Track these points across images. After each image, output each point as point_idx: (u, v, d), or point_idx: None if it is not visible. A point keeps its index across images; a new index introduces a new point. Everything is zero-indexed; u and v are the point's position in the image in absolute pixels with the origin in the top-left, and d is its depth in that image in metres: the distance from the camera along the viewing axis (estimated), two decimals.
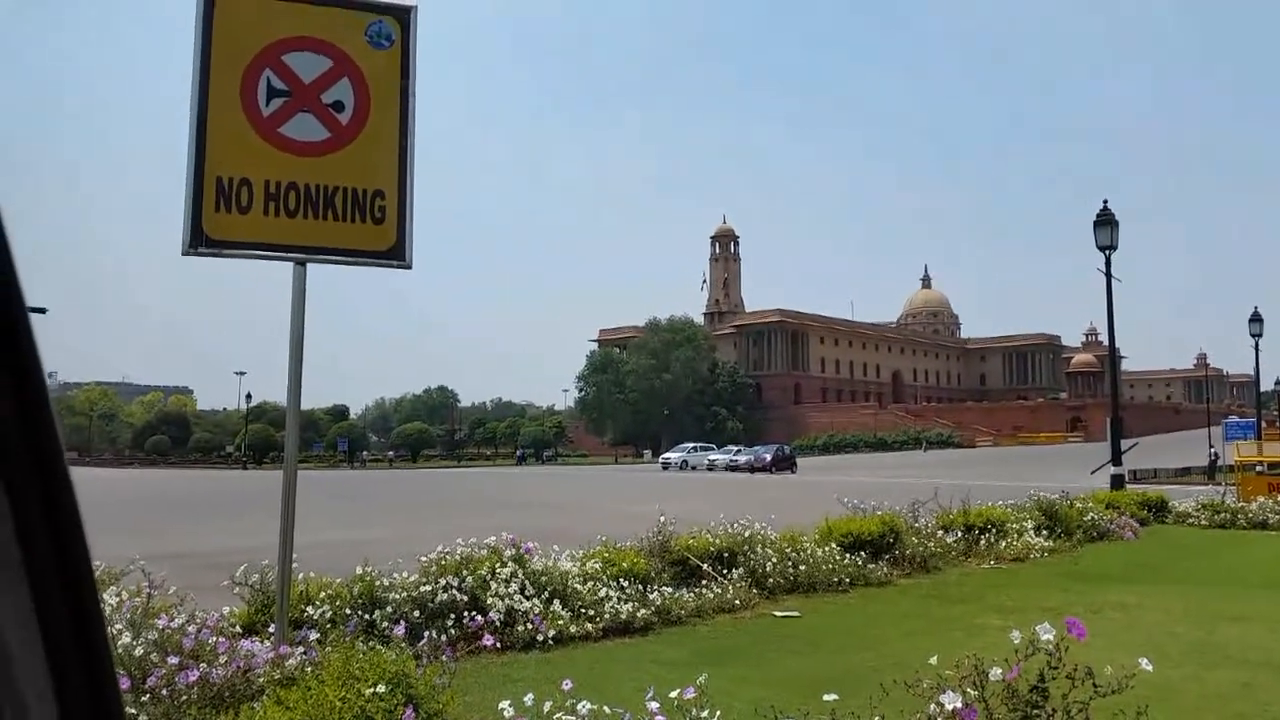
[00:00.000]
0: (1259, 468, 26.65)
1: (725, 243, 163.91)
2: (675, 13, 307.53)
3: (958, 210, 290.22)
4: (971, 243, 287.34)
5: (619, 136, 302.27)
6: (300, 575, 6.88)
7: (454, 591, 7.17)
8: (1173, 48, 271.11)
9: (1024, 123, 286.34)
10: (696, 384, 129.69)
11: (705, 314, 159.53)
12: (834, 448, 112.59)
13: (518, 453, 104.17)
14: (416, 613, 6.93)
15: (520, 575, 7.52)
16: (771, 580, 9.34)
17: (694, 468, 62.56)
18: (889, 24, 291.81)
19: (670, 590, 8.40)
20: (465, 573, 7.38)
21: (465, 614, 6.98)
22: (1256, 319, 44.42)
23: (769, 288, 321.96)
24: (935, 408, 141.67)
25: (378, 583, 7.22)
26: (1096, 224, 21.88)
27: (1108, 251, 21.79)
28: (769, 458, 59.90)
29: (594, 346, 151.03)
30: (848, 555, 10.24)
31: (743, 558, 9.58)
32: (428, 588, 7.19)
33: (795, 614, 8.48)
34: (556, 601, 7.41)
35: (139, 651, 5.07)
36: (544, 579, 7.65)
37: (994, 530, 12.76)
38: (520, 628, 7.02)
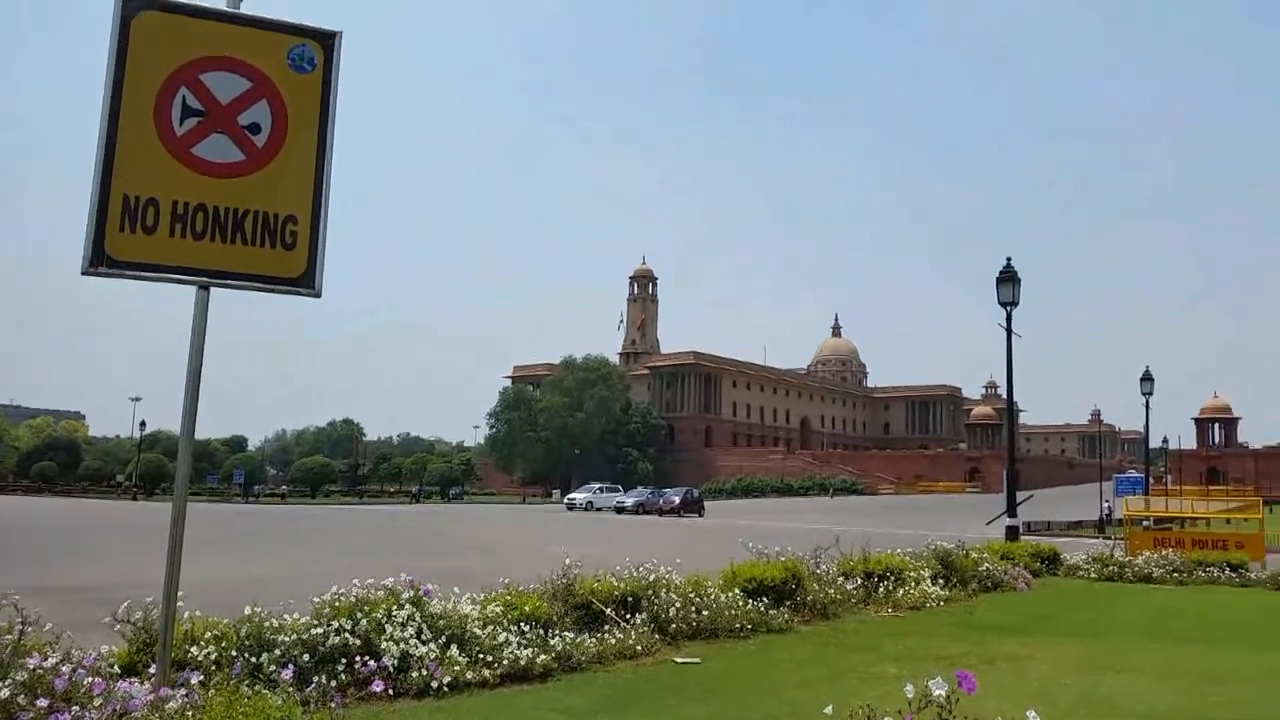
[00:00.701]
0: (1145, 523, 27.79)
1: (644, 284, 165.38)
2: (601, 53, 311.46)
3: (867, 260, 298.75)
4: (881, 293, 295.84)
5: (541, 173, 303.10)
6: (185, 614, 6.57)
7: (347, 635, 6.91)
8: (1068, 123, 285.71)
9: (929, 183, 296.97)
10: (609, 424, 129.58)
11: (621, 354, 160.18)
12: (742, 491, 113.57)
13: (414, 490, 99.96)
14: (306, 656, 6.65)
15: (418, 618, 7.32)
16: (675, 626, 9.31)
17: (599, 509, 62.23)
18: (807, 80, 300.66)
19: (572, 635, 8.28)
20: (360, 615, 7.13)
21: (358, 658, 6.72)
22: (1147, 378, 46.65)
23: (685, 330, 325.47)
24: (841, 454, 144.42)
25: (266, 623, 6.91)
26: (999, 280, 22.70)
27: (1009, 307, 22.60)
28: (677, 500, 60.13)
29: (507, 383, 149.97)
30: (751, 601, 10.28)
31: (647, 602, 9.52)
32: (319, 630, 6.91)
33: (696, 660, 8.46)
34: (454, 646, 7.21)
35: (5, 694, 4.77)
36: (442, 622, 7.45)
37: (893, 578, 12.98)
38: (415, 674, 6.80)
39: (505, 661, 7.31)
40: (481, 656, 7.30)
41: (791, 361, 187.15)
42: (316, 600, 7.35)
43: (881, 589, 12.68)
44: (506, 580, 9.08)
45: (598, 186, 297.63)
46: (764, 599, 10.49)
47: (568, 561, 9.57)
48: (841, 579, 12.34)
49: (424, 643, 7.10)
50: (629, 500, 63.44)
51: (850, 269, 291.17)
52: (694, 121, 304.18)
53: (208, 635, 6.58)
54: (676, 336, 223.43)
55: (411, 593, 7.58)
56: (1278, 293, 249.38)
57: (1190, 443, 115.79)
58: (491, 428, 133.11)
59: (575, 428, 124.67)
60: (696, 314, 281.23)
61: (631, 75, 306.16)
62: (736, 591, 10.31)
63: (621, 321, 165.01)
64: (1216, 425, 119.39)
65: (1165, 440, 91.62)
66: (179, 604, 5.48)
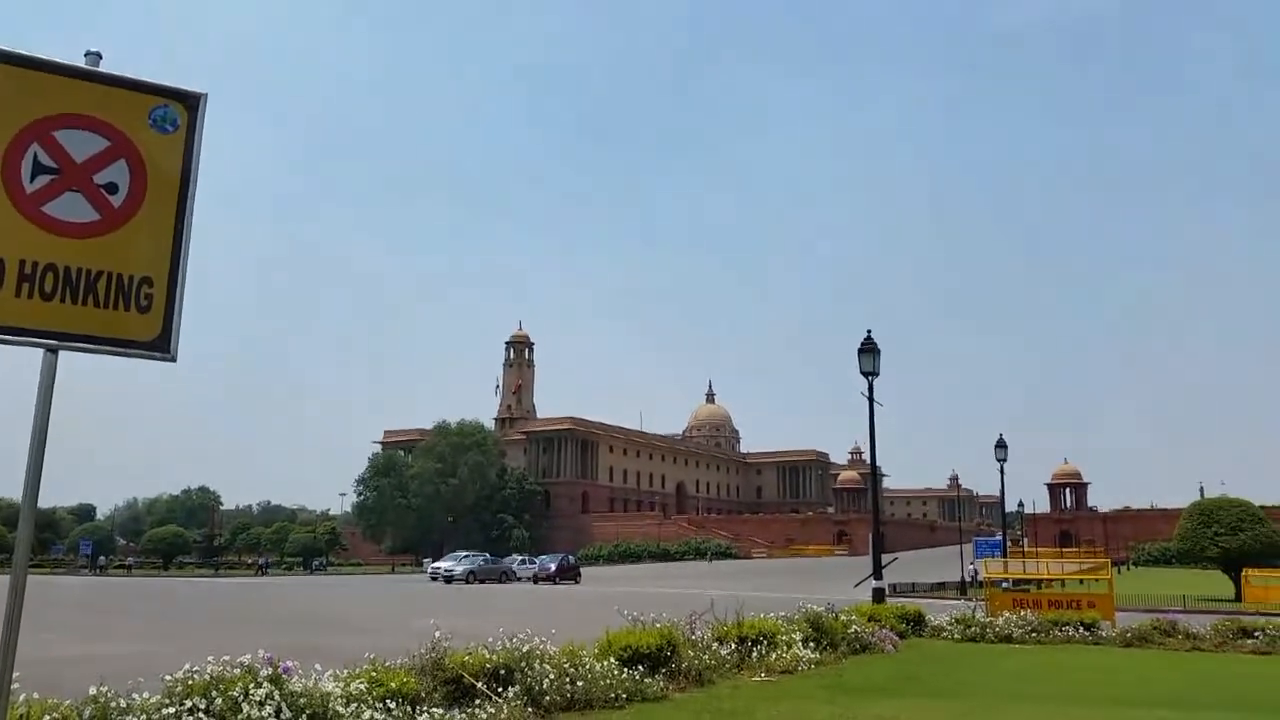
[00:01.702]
0: (1005, 584, 28.92)
1: (520, 349, 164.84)
2: (486, 109, 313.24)
3: (738, 328, 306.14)
4: (752, 361, 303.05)
5: (415, 232, 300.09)
6: (22, 695, 6.09)
7: (200, 714, 6.55)
8: (915, 196, 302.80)
9: (795, 253, 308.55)
10: (484, 490, 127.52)
11: (497, 419, 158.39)
12: (619, 557, 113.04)
13: (260, 561, 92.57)
14: None
15: (277, 696, 6.97)
16: (549, 698, 9.13)
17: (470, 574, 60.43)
18: (687, 144, 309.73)
19: (441, 711, 8.03)
20: (215, 694, 6.76)
21: None
22: (1001, 445, 49.12)
23: (563, 395, 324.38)
24: (716, 519, 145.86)
25: (113, 704, 6.49)
26: (860, 351, 23.69)
27: (870, 377, 23.57)
28: (554, 567, 59.39)
29: (378, 449, 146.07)
30: (626, 669, 10.19)
31: (520, 674, 9.34)
32: (170, 710, 6.52)
33: None
34: None
35: None
36: (303, 700, 7.11)
37: (765, 642, 13.10)
38: None
39: None
40: None
41: (667, 427, 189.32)
42: (168, 678, 6.93)
43: (755, 653, 12.78)
44: (371, 655, 8.76)
45: (472, 249, 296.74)
46: (639, 667, 10.43)
47: (437, 635, 9.31)
48: (716, 644, 12.39)
49: None
50: (512, 568, 62.01)
51: (723, 337, 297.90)
52: (570, 185, 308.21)
53: (47, 719, 6.13)
54: (554, 402, 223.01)
55: (270, 670, 7.23)
56: (1120, 358, 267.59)
57: (1044, 506, 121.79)
58: (360, 495, 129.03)
59: (448, 494, 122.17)
60: (574, 380, 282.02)
61: (512, 136, 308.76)
62: (612, 660, 10.23)
63: (498, 387, 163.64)
64: (1068, 490, 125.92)
65: (1021, 504, 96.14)
66: (13, 685, 5.06)
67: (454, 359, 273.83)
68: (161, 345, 5.29)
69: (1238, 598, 39.05)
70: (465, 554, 67.74)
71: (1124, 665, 14.81)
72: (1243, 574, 41.40)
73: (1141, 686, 12.63)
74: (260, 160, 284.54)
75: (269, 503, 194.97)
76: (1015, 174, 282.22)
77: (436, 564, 63.37)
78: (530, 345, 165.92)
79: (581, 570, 65.10)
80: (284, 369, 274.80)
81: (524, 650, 9.69)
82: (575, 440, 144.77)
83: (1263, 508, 47.80)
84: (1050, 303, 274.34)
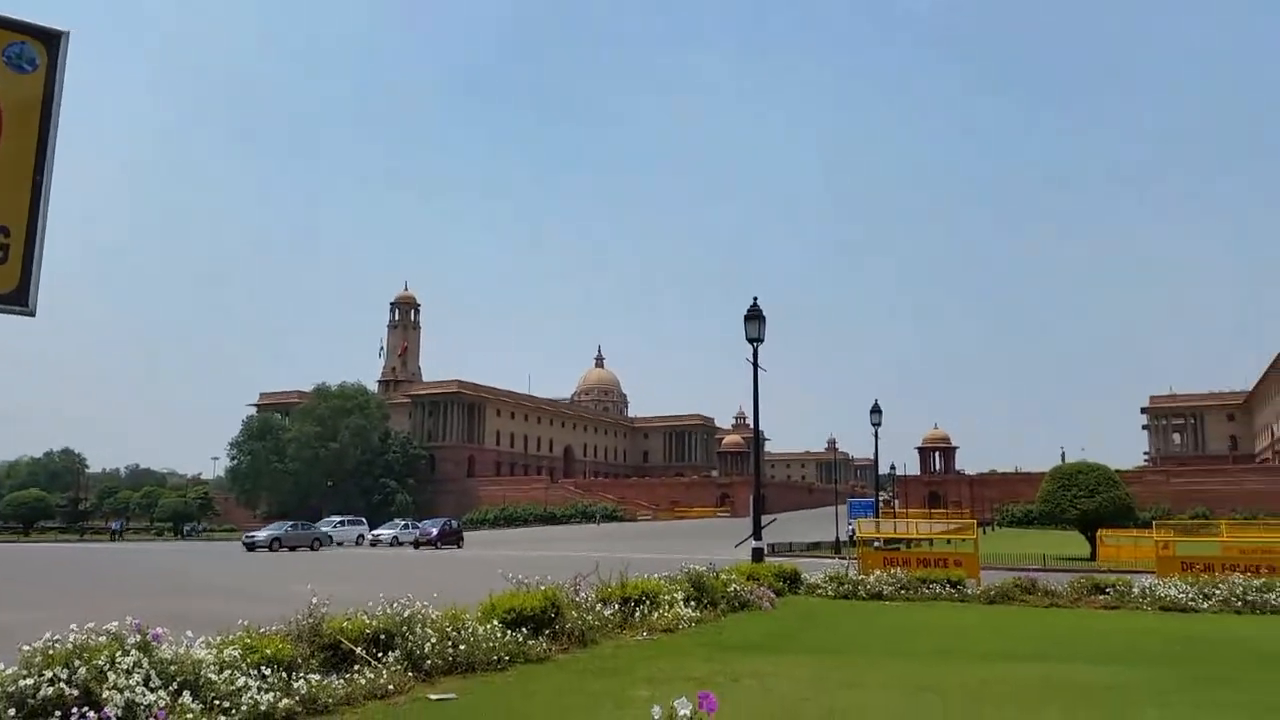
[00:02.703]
0: (876, 543, 30.10)
1: (405, 310, 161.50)
2: (366, 64, 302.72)
3: (629, 291, 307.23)
4: (640, 325, 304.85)
5: (294, 186, 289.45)
6: None
7: (62, 685, 6.27)
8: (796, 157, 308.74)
9: (680, 218, 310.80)
10: (366, 454, 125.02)
11: (380, 382, 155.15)
12: (506, 521, 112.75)
13: (113, 526, 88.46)
14: (13, 711, 6.00)
15: (145, 664, 6.74)
16: (430, 662, 9.10)
17: (340, 543, 58.96)
18: (574, 102, 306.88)
19: (318, 677, 7.93)
20: (78, 663, 6.49)
21: (74, 710, 6.11)
22: (876, 410, 50.93)
23: (450, 359, 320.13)
24: (602, 482, 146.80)
25: None
26: (746, 318, 24.10)
27: (755, 343, 24.03)
28: (435, 532, 58.45)
29: (253, 411, 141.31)
30: (510, 632, 10.24)
31: (400, 639, 9.27)
32: (28, 681, 6.23)
33: (452, 696, 8.32)
34: (187, 693, 6.70)
35: None
36: (174, 668, 6.90)
37: (648, 602, 13.35)
38: None
39: (244, 707, 6.91)
40: (218, 703, 6.84)
41: (556, 392, 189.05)
42: (26, 648, 6.61)
43: (638, 613, 13.00)
44: (245, 622, 8.57)
45: (354, 206, 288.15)
46: (523, 629, 10.48)
47: (314, 600, 9.16)
48: (600, 605, 12.54)
49: (152, 690, 6.54)
50: (386, 533, 61.12)
51: (612, 301, 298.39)
52: (460, 145, 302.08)
53: None
54: (440, 365, 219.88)
55: (138, 637, 6.98)
56: (987, 328, 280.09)
57: (915, 469, 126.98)
58: (233, 459, 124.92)
59: (328, 459, 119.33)
60: (461, 343, 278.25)
61: (398, 90, 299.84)
62: (495, 623, 10.25)
63: (381, 349, 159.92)
64: (937, 453, 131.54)
65: (893, 467, 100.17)
66: None
67: (336, 320, 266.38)
68: (19, 298, 4.99)
69: (1093, 557, 41.66)
70: (339, 519, 66.33)
71: (987, 621, 15.60)
72: (1097, 534, 44.18)
73: (1004, 641, 13.36)
74: (128, 105, 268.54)
75: (138, 466, 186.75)
76: (902, 143, 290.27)
77: (252, 533, 61.60)
78: (416, 306, 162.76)
79: (465, 535, 64.75)
80: (153, 328, 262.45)
81: (405, 615, 9.62)
82: (462, 404, 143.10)
83: (1118, 472, 51.08)
84: (925, 273, 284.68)
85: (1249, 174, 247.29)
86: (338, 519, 66.99)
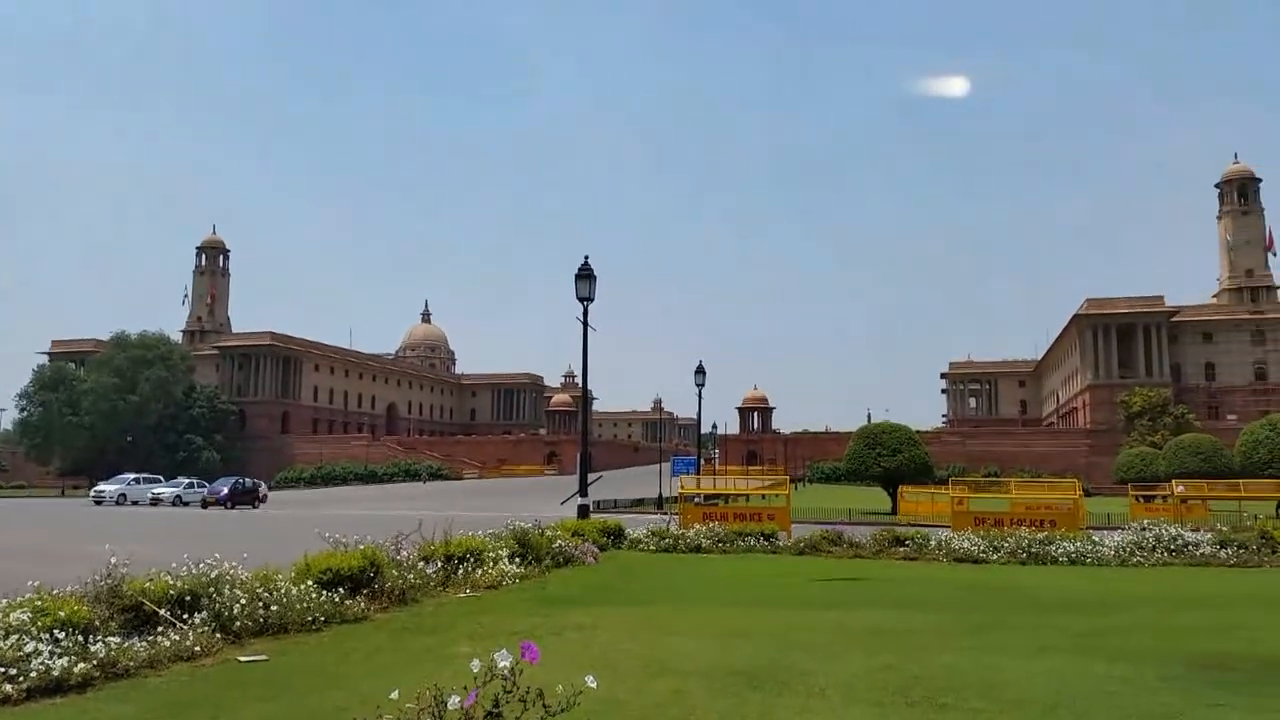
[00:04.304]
0: (697, 499, 31.04)
1: (214, 255, 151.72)
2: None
3: (462, 246, 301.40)
4: (471, 282, 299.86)
5: (89, 125, 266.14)
6: None
7: None
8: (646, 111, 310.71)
9: (513, 175, 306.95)
10: (169, 409, 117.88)
11: (185, 332, 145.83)
12: (323, 480, 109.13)
13: None
14: None
15: None
16: (239, 623, 8.74)
17: (135, 502, 54.74)
18: (395, 43, 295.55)
19: (118, 640, 7.47)
20: None
21: None
22: (700, 371, 52.30)
23: (265, 310, 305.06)
24: (427, 441, 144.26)
25: None
26: (577, 277, 24.12)
27: (585, 302, 24.10)
28: (225, 491, 54.23)
29: (44, 360, 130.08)
30: (325, 592, 9.95)
31: (208, 600, 8.85)
32: None
33: (263, 657, 8.02)
34: None
35: None
36: None
37: (472, 559, 13.28)
38: None
39: (34, 674, 6.49)
40: (3, 670, 6.41)
41: (380, 347, 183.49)
42: None
43: (461, 571, 12.92)
44: (36, 584, 7.96)
45: (159, 141, 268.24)
46: (340, 589, 10.21)
47: (113, 560, 8.60)
48: (422, 564, 12.39)
49: None
50: (168, 491, 55.55)
51: (441, 255, 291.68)
52: (276, 82, 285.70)
53: None
54: (253, 315, 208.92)
55: None
56: (807, 296, 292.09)
57: (735, 428, 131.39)
58: (22, 411, 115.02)
59: (127, 412, 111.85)
60: (277, 294, 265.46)
61: (197, 26, 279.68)
62: (310, 583, 9.93)
63: (186, 296, 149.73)
64: (756, 413, 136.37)
65: (715, 426, 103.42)
66: None
67: (136, 264, 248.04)
68: None
69: (894, 511, 44.56)
70: (134, 476, 60.94)
71: (797, 571, 16.45)
72: (899, 490, 47.23)
73: (811, 589, 14.14)
74: None
75: None
76: (732, 98, 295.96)
77: (103, 486, 56.36)
78: (225, 252, 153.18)
79: (279, 495, 61.69)
80: None
81: (213, 575, 9.19)
82: (276, 357, 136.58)
83: (919, 433, 54.69)
84: (749, 237, 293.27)
85: (1036, 164, 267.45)
86: (130, 477, 62.22)
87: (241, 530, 29.54)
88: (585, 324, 24.21)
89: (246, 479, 61.42)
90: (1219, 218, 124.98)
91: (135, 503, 54.56)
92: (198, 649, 7.93)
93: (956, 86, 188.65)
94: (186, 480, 61.07)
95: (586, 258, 24.14)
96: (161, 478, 64.61)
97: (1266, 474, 45.98)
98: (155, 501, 54.30)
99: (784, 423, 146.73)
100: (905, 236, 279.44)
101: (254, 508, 52.46)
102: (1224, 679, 7.23)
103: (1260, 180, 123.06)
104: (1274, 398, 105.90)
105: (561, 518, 22.05)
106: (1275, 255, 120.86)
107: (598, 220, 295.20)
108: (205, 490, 55.84)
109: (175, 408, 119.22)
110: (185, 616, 8.53)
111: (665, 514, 33.81)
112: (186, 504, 53.37)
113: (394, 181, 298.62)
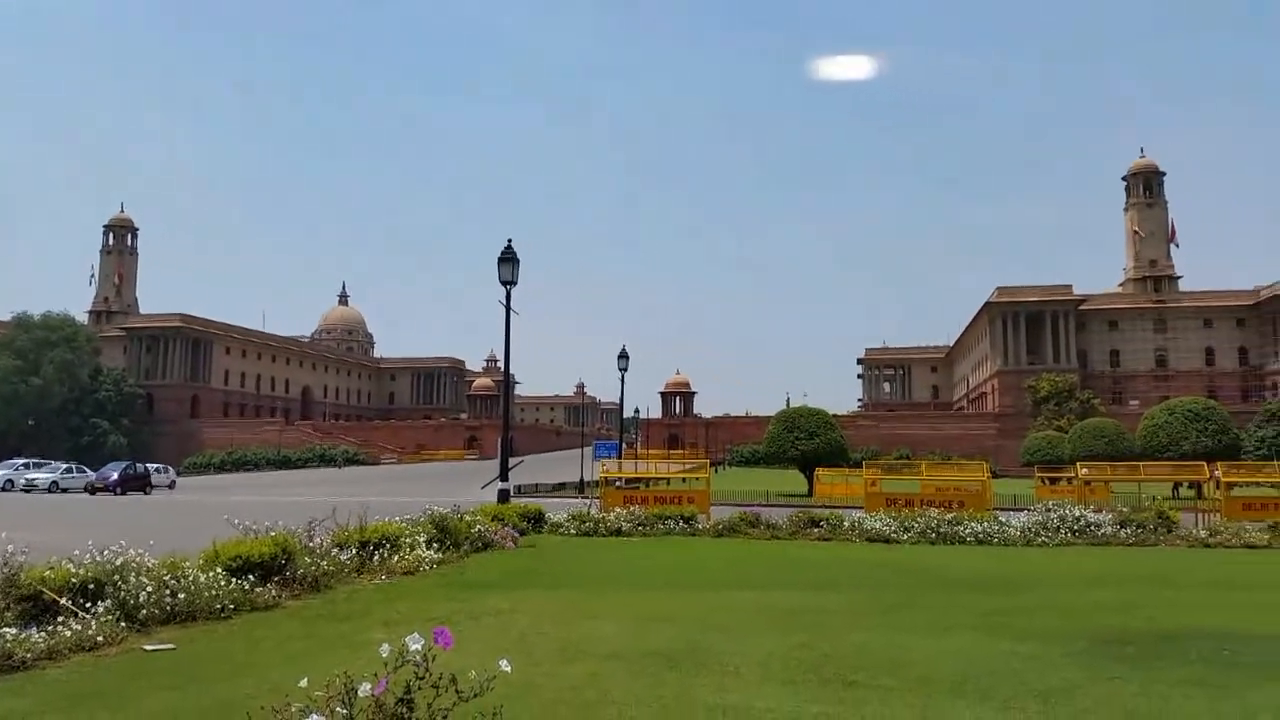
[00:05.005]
0: (618, 482, 31.10)
1: (121, 234, 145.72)
2: None
3: (382, 228, 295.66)
4: (391, 265, 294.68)
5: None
6: None
7: None
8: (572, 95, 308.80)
9: (438, 159, 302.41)
10: (74, 391, 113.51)
11: (91, 313, 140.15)
12: (234, 465, 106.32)
13: None
14: None
15: None
16: (145, 612, 8.50)
17: (26, 489, 50.52)
18: (314, 28, 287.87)
19: (15, 631, 7.22)
20: None
21: None
22: (624, 355, 52.37)
23: (176, 292, 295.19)
24: (344, 425, 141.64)
25: None
26: (500, 261, 23.90)
27: (508, 286, 23.90)
28: (115, 476, 51.07)
29: None
30: (235, 580, 9.72)
31: (112, 589, 8.58)
32: None
33: (170, 646, 7.82)
34: None
35: None
36: None
37: (388, 545, 13.11)
38: None
39: None
40: None
41: (295, 329, 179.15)
42: None
43: (377, 557, 12.76)
44: None
45: (66, 116, 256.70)
46: (250, 577, 9.99)
47: (10, 549, 8.28)
48: (336, 550, 12.20)
49: None
50: (44, 477, 52.14)
51: (360, 237, 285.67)
52: (182, 57, 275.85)
53: None
54: (163, 296, 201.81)
55: None
56: (724, 281, 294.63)
57: (658, 413, 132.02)
58: None
59: (29, 395, 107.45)
60: (187, 274, 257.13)
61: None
62: (219, 571, 9.69)
63: (93, 277, 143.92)
64: (678, 398, 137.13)
65: (637, 410, 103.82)
66: None
67: (39, 243, 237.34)
68: None
69: (810, 493, 45.42)
70: (22, 462, 58.05)
71: (716, 553, 16.66)
72: (815, 473, 48.13)
73: (729, 571, 14.33)
74: None
75: None
76: (669, 79, 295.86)
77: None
78: (133, 231, 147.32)
79: (188, 480, 59.67)
80: None
81: (117, 563, 8.91)
82: (185, 339, 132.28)
83: (835, 416, 55.75)
84: (674, 222, 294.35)
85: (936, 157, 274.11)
86: (19, 462, 59.11)
87: (154, 517, 28.66)
88: (508, 308, 24.02)
89: (139, 464, 58.28)
90: (1125, 210, 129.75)
91: (26, 490, 51.52)
92: (101, 639, 7.70)
93: (862, 68, 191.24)
94: (64, 465, 57.70)
95: (510, 241, 23.92)
96: (51, 463, 61.43)
97: (1165, 457, 48.03)
98: (29, 488, 50.78)
99: (706, 407, 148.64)
100: (834, 223, 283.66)
101: (145, 494, 49.91)
102: (1123, 653, 7.57)
103: (1164, 174, 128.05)
104: (1174, 384, 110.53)
105: (482, 503, 21.91)
106: (1178, 247, 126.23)
107: (522, 204, 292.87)
108: (89, 476, 53.17)
109: (80, 391, 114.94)
110: (88, 605, 8.26)
111: (587, 498, 33.93)
112: (65, 490, 50.62)
113: (312, 164, 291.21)
